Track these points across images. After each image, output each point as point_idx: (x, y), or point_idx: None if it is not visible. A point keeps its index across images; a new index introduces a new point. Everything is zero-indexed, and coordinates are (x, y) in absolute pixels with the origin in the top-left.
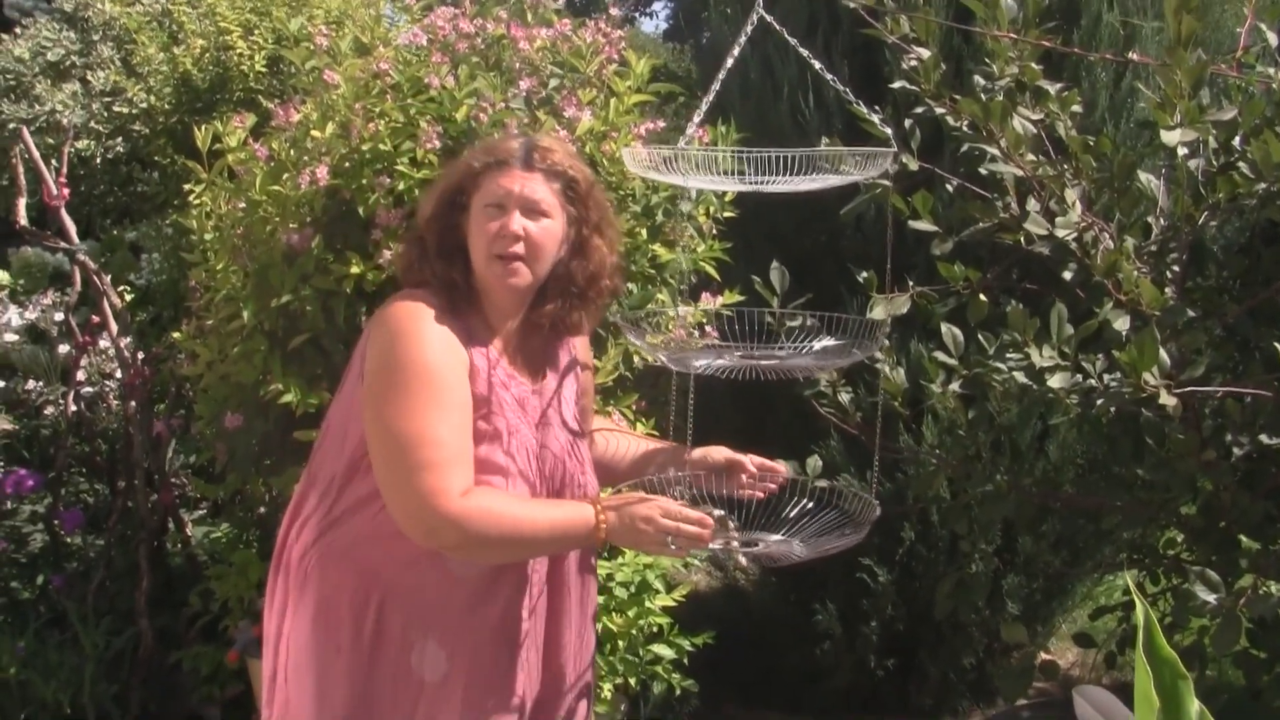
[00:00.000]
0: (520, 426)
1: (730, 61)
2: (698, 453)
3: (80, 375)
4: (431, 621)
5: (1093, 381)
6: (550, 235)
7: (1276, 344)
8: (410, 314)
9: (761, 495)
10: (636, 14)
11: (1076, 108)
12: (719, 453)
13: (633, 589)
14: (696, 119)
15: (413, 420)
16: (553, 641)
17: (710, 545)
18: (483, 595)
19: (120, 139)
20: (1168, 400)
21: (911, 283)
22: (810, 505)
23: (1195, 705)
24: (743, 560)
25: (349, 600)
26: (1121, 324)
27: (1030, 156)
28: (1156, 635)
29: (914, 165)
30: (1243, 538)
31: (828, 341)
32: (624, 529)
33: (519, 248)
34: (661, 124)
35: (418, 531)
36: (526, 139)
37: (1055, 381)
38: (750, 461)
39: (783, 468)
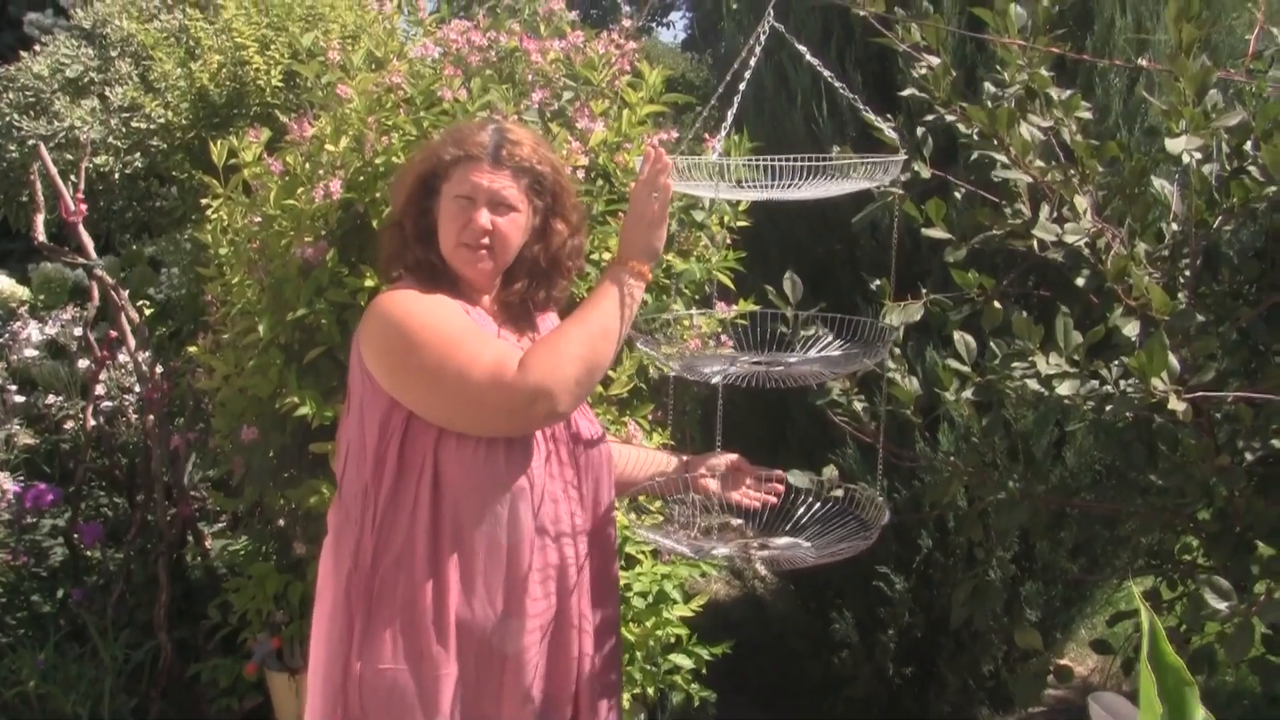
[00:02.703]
0: None
1: (747, 73)
2: (701, 460)
3: (99, 390)
4: (508, 597)
5: (1109, 388)
6: (516, 227)
7: None
8: (392, 294)
9: (759, 504)
10: (654, 24)
11: (1084, 114)
12: (721, 459)
13: (650, 599)
14: (722, 132)
15: (433, 348)
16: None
17: (724, 550)
18: (536, 562)
19: (138, 154)
20: (1177, 405)
21: (925, 290)
22: (821, 510)
23: (1201, 712)
24: (759, 566)
25: (424, 604)
26: (1131, 329)
27: (1039, 163)
28: (1162, 641)
29: (926, 173)
30: (1259, 543)
31: (837, 349)
32: (642, 241)
33: (485, 240)
34: (675, 134)
35: (514, 417)
36: (497, 131)
37: (1064, 389)
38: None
39: (791, 477)
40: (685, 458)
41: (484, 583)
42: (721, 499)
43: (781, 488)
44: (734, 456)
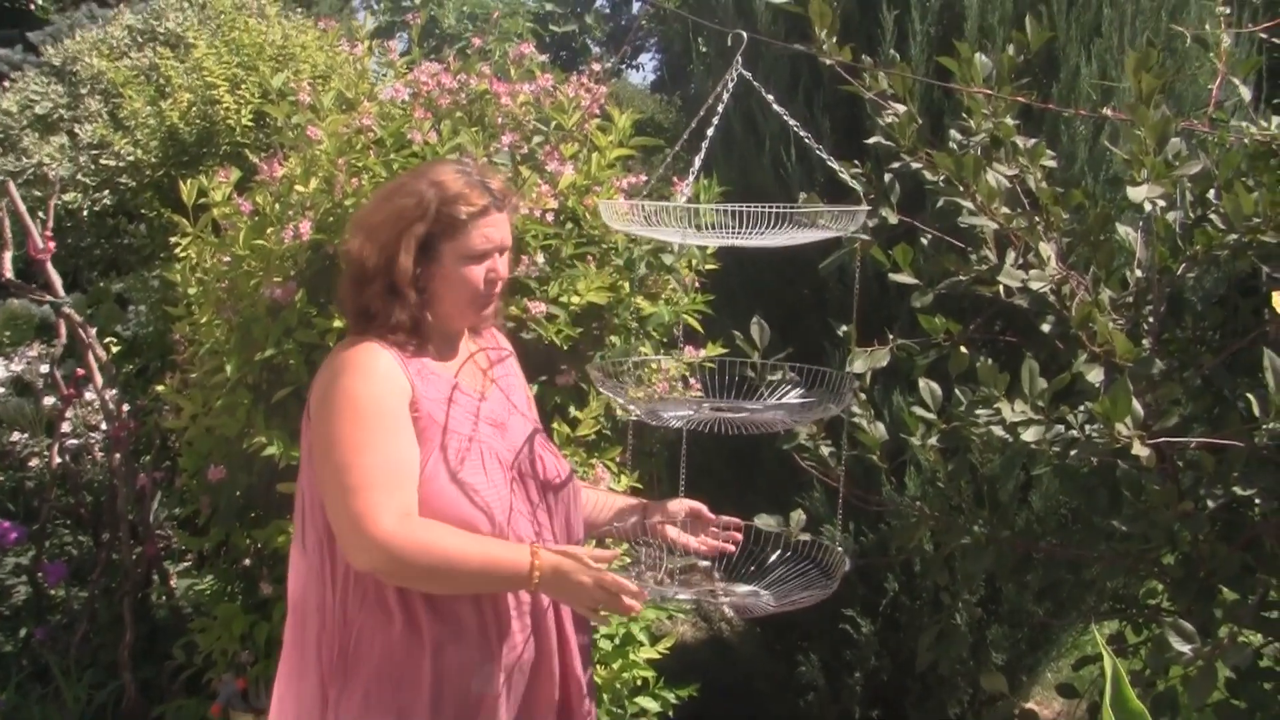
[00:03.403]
0: (484, 438)
1: (715, 119)
2: (661, 506)
3: (65, 427)
4: (483, 642)
5: (1075, 433)
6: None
7: (1250, 395)
8: (352, 353)
9: (716, 552)
10: (623, 66)
11: (1048, 162)
12: (682, 505)
13: (617, 641)
14: (690, 177)
15: (345, 447)
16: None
17: (685, 595)
18: (511, 602)
19: (107, 192)
20: (1140, 451)
21: (892, 335)
22: (788, 556)
23: None
24: (727, 610)
25: (400, 659)
26: (1095, 376)
27: (1004, 209)
28: (1125, 688)
29: (894, 219)
30: (1223, 588)
31: (797, 395)
32: (558, 583)
33: (499, 285)
34: (644, 177)
35: (352, 555)
36: (478, 176)
37: (1028, 435)
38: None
39: (758, 521)
40: (645, 504)
41: (460, 632)
42: (680, 547)
43: (740, 535)
44: (694, 504)
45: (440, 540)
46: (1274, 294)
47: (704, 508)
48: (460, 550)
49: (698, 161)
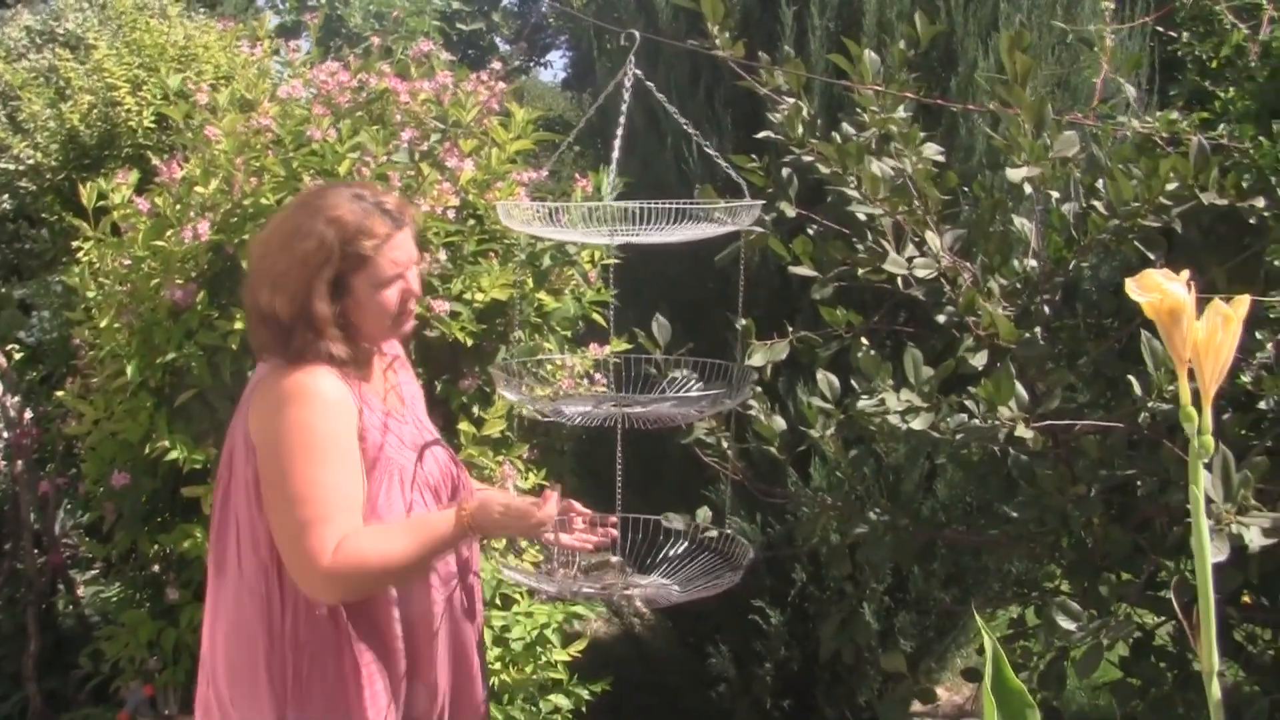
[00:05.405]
0: (410, 462)
1: (622, 120)
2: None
3: None
4: (414, 661)
5: (976, 421)
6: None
7: (1132, 379)
8: (300, 380)
9: (590, 547)
10: (532, 64)
11: (933, 153)
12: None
13: (529, 640)
14: (610, 183)
15: (298, 481)
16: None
17: (590, 589)
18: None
19: (7, 196)
20: (1025, 433)
21: (791, 328)
22: (695, 549)
23: None
24: (638, 603)
25: (353, 674)
26: (979, 360)
27: (890, 198)
28: (1004, 668)
29: (791, 211)
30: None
31: (699, 390)
32: (487, 520)
33: (413, 300)
34: (544, 173)
35: (305, 588)
36: (377, 204)
37: (917, 424)
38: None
39: (664, 520)
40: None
41: (409, 655)
42: (550, 544)
43: (615, 532)
44: (566, 501)
45: (374, 550)
46: (1127, 280)
47: (575, 504)
48: (397, 548)
49: (613, 165)
